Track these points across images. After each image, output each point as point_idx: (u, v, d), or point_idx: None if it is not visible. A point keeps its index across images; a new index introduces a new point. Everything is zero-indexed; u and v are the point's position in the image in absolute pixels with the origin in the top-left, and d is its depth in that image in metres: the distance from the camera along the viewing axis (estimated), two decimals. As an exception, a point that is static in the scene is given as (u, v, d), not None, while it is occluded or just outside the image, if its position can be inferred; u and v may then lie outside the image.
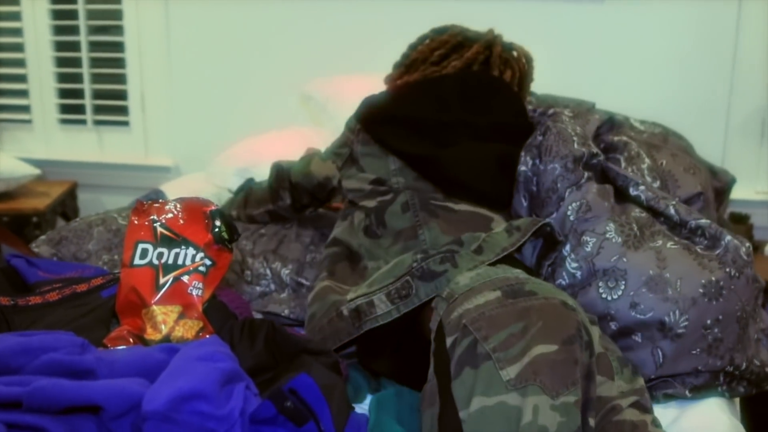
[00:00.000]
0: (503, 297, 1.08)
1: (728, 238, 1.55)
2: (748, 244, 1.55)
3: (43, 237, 1.82)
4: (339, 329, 1.37)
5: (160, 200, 1.24)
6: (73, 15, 3.08)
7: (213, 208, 1.23)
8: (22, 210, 2.83)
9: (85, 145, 3.20)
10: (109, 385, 0.98)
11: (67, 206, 3.05)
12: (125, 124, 3.15)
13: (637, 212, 1.65)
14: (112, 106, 3.16)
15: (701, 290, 1.46)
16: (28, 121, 3.21)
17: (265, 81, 2.93)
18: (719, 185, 2.34)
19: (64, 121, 3.20)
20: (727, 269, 1.49)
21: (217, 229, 1.20)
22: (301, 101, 2.74)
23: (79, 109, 3.17)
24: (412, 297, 1.32)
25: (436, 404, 1.08)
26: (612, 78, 2.71)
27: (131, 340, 1.16)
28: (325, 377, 1.11)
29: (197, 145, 3.00)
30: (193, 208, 1.22)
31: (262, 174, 2.27)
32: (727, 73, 2.68)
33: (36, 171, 2.94)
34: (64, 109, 3.19)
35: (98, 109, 3.17)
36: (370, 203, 1.63)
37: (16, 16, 3.12)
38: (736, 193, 2.68)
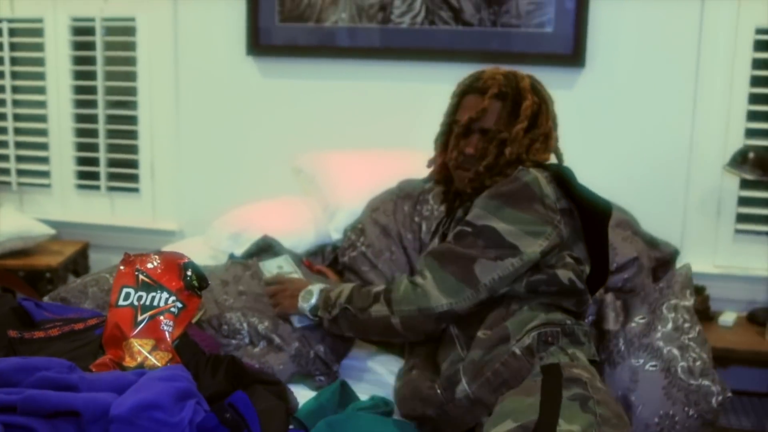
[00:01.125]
0: None
1: (707, 383, 1.79)
2: (727, 395, 1.77)
3: (46, 297, 2.09)
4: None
5: (143, 253, 1.52)
6: (92, 90, 3.43)
7: (186, 260, 1.51)
8: (36, 266, 3.13)
9: (98, 209, 3.51)
10: (86, 396, 1.24)
11: (78, 264, 3.35)
12: (136, 190, 3.47)
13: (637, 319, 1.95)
14: (125, 174, 3.48)
15: (656, 419, 1.71)
16: (48, 186, 3.54)
17: (262, 154, 3.24)
18: (661, 255, 2.61)
19: (80, 186, 3.52)
20: (687, 408, 1.73)
21: (188, 278, 1.48)
22: (293, 173, 3.04)
23: (94, 176, 3.49)
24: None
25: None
26: (579, 151, 2.99)
27: (112, 366, 1.42)
28: (268, 401, 1.37)
29: (200, 211, 3.28)
30: (170, 260, 1.50)
31: (251, 238, 2.56)
32: (684, 155, 2.96)
33: (51, 231, 3.25)
34: (81, 175, 3.52)
35: (111, 177, 3.49)
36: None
37: (41, 90, 3.47)
38: (695, 266, 2.94)
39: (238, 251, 2.51)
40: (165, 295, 1.46)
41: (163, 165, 3.42)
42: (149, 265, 1.49)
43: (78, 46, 3.44)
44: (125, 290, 1.47)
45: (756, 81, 2.90)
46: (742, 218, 2.99)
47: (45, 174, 3.54)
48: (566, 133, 3.01)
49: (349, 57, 3.13)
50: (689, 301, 2.05)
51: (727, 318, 2.83)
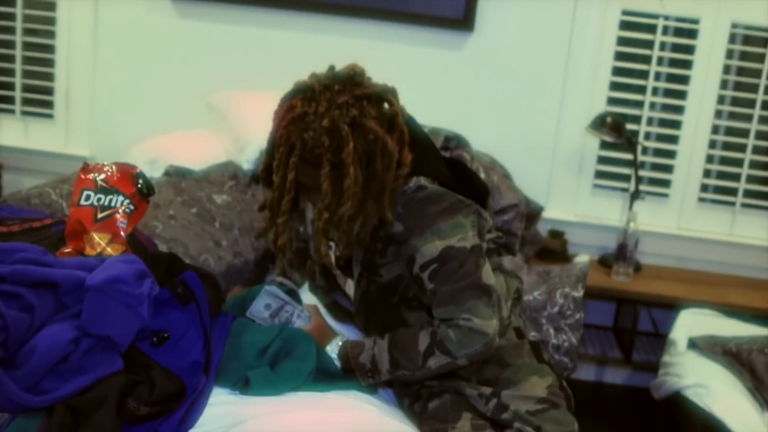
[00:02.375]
0: None
1: (565, 360, 2.50)
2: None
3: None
4: None
5: (100, 163, 1.84)
6: (11, 17, 3.61)
7: (138, 170, 1.83)
8: (-47, 182, 3.33)
9: (11, 132, 3.71)
10: (64, 272, 1.57)
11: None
12: (50, 116, 3.69)
13: None
14: (39, 100, 3.69)
15: None
16: (-40, 107, 3.71)
17: (177, 91, 3.52)
18: (529, 210, 3.13)
19: (-5, 110, 3.71)
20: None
21: (140, 186, 1.81)
22: (207, 109, 3.35)
23: (9, 100, 3.68)
24: None
25: None
26: (463, 116, 3.41)
27: (75, 254, 1.74)
28: (206, 285, 1.73)
29: (113, 139, 3.53)
30: (124, 170, 1.82)
31: (167, 164, 2.87)
32: (554, 117, 3.42)
33: (-33, 150, 3.45)
34: (-5, 98, 3.71)
35: (26, 102, 3.69)
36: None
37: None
38: (557, 214, 3.45)
39: (156, 176, 2.82)
40: (120, 198, 1.78)
41: (78, 93, 3.64)
42: (106, 173, 1.80)
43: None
44: (86, 192, 1.78)
45: (619, 56, 3.38)
46: (599, 175, 3.49)
47: (-42, 95, 3.71)
48: (453, 92, 3.45)
49: (264, 5, 3.43)
50: (579, 293, 2.60)
51: (582, 260, 3.32)
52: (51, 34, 3.62)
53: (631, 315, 3.29)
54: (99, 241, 1.75)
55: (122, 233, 1.77)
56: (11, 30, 3.62)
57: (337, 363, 1.85)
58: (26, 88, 3.69)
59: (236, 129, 3.14)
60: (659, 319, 3.47)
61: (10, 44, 3.64)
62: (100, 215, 1.77)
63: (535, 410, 1.80)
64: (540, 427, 1.78)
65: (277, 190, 1.77)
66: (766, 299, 3.21)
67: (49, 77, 3.66)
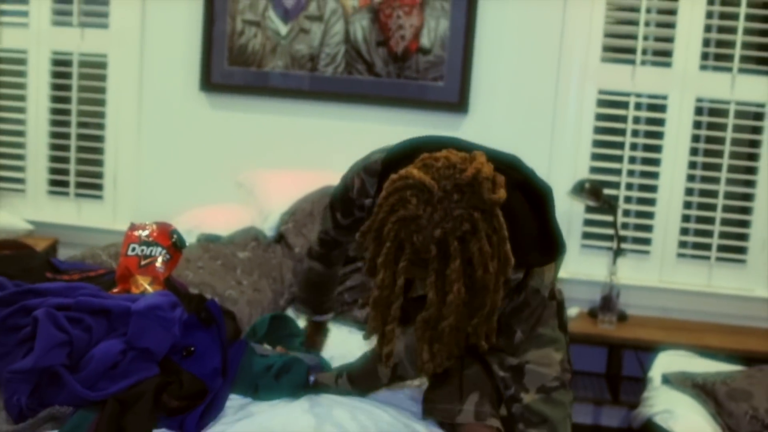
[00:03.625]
0: None
1: None
2: None
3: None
4: None
5: (143, 223, 2.35)
6: (66, 113, 4.22)
7: (173, 228, 2.34)
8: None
9: (67, 212, 4.27)
10: (114, 302, 2.06)
11: (49, 257, 4.10)
12: (100, 197, 4.25)
13: None
14: (91, 183, 4.26)
15: None
16: (23, 191, 4.30)
17: (210, 170, 4.07)
18: None
19: (52, 192, 4.29)
20: None
21: (174, 239, 2.31)
22: (236, 187, 3.88)
23: (65, 184, 4.27)
24: None
25: None
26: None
27: (123, 293, 2.24)
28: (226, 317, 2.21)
29: (154, 215, 4.03)
30: (162, 227, 2.33)
31: (199, 233, 3.38)
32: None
33: (29, 227, 4.01)
34: (52, 183, 4.29)
35: (79, 185, 4.27)
36: None
37: (21, 110, 4.25)
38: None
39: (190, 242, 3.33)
40: (159, 249, 2.28)
41: (124, 177, 4.21)
42: (148, 230, 2.32)
43: (56, 74, 4.23)
44: (131, 245, 2.29)
45: (598, 130, 3.87)
46: (586, 235, 3.94)
47: (21, 181, 4.30)
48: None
49: (283, 96, 4.00)
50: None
51: (572, 312, 3.74)
52: (101, 126, 4.21)
53: (619, 360, 3.69)
54: (142, 282, 2.25)
55: (160, 276, 2.27)
56: (67, 124, 4.23)
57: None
58: (79, 173, 4.27)
59: (260, 202, 3.66)
60: (647, 364, 3.85)
61: (66, 136, 4.24)
62: (142, 262, 2.27)
63: (549, 387, 2.05)
64: (546, 420, 2.04)
65: (386, 290, 1.68)
66: (739, 342, 3.60)
67: (99, 163, 4.24)
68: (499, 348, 2.04)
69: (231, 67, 4.00)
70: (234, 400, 2.09)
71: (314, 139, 4.00)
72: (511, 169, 1.89)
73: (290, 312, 2.96)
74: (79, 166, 4.26)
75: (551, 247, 1.93)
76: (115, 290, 2.27)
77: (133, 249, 2.29)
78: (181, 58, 4.08)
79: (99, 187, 4.26)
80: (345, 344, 2.56)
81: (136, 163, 4.19)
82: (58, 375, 1.91)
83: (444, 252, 1.61)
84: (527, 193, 1.92)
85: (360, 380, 2.11)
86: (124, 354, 1.97)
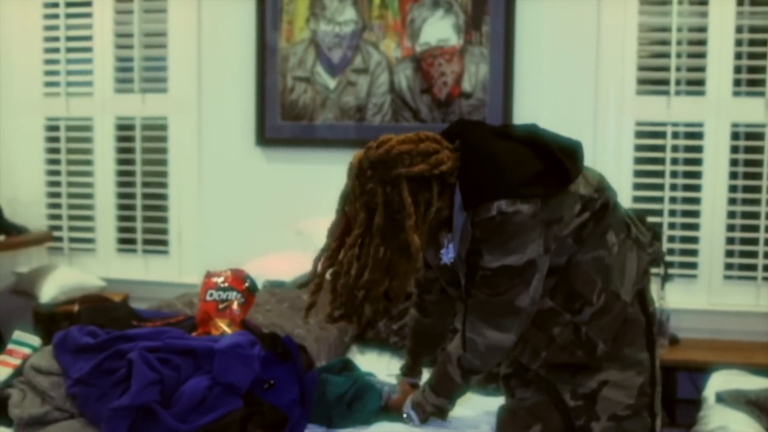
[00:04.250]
0: None
1: None
2: None
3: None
4: None
5: (218, 271, 2.57)
6: (131, 174, 4.50)
7: (246, 274, 2.56)
8: (92, 311, 4.14)
9: (135, 268, 4.54)
10: (199, 342, 2.28)
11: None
12: (166, 252, 4.51)
13: None
14: (157, 240, 4.53)
15: None
16: (93, 250, 4.57)
17: (269, 220, 4.31)
18: None
19: (120, 250, 4.56)
20: None
21: (247, 284, 2.53)
22: (294, 235, 4.11)
23: (133, 242, 4.54)
24: None
25: None
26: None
27: (204, 335, 2.46)
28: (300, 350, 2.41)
29: (219, 266, 4.25)
30: (236, 273, 2.55)
31: (263, 281, 3.60)
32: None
33: (102, 283, 4.28)
34: (121, 241, 4.56)
35: (146, 242, 4.53)
36: None
37: (89, 174, 4.54)
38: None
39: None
40: (234, 293, 2.50)
41: (188, 232, 4.47)
42: (223, 276, 2.54)
43: (120, 138, 4.52)
44: (209, 291, 2.51)
45: (638, 160, 4.03)
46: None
47: (91, 240, 4.58)
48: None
49: (333, 147, 4.23)
50: None
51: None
52: (164, 185, 4.49)
53: (673, 382, 3.81)
54: (221, 324, 2.46)
55: (237, 318, 2.48)
56: (132, 184, 4.51)
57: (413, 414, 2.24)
58: (146, 231, 4.54)
59: (320, 247, 3.87)
60: (701, 384, 3.96)
61: (132, 196, 4.52)
62: (220, 306, 2.49)
63: (621, 416, 2.07)
64: None
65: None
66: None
67: (164, 220, 4.50)
68: (580, 364, 2.09)
69: (284, 122, 4.25)
70: (311, 429, 2.28)
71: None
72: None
73: (354, 349, 3.16)
74: (145, 223, 4.53)
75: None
76: (196, 333, 2.49)
77: (211, 294, 2.51)
78: (237, 116, 4.35)
79: (165, 242, 4.52)
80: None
81: (198, 218, 4.44)
82: (153, 411, 2.12)
83: (358, 219, 1.98)
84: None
85: (439, 386, 2.18)
86: (211, 389, 2.18)
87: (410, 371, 2.50)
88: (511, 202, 1.93)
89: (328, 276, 2.18)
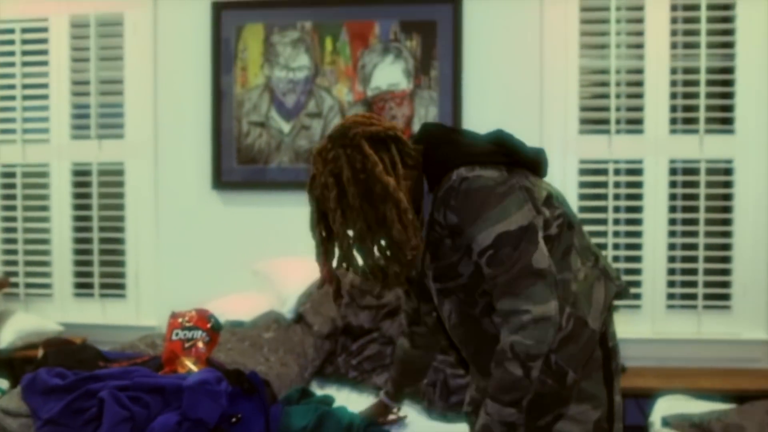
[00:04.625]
0: None
1: None
2: None
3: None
4: None
5: (183, 311, 2.67)
6: (88, 219, 4.57)
7: (210, 313, 2.66)
8: (51, 355, 4.18)
9: (92, 312, 4.59)
10: (167, 379, 2.37)
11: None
12: (123, 296, 4.58)
13: None
14: (114, 284, 4.59)
15: None
16: (50, 295, 4.62)
17: (226, 262, 4.40)
18: None
19: (78, 294, 4.61)
20: None
21: (212, 323, 2.63)
22: (252, 275, 4.21)
23: (90, 286, 4.59)
24: None
25: None
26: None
27: (171, 373, 2.55)
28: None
29: (176, 309, 4.37)
30: (200, 313, 2.66)
31: (222, 321, 3.69)
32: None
33: (60, 328, 4.32)
34: (78, 285, 4.61)
35: (103, 286, 4.59)
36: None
37: (45, 219, 4.60)
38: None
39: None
40: (199, 332, 2.60)
41: (145, 275, 4.54)
42: (188, 316, 2.64)
43: (77, 184, 4.60)
44: (175, 331, 2.61)
45: (582, 197, 4.23)
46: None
47: (48, 285, 4.62)
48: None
49: (288, 189, 4.35)
50: None
51: (574, 368, 4.02)
52: (121, 230, 4.56)
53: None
54: (187, 363, 2.56)
55: (203, 356, 2.58)
56: (89, 229, 4.58)
57: None
58: (103, 275, 4.60)
59: (277, 287, 3.99)
60: (648, 410, 4.13)
61: (88, 240, 4.58)
62: (186, 345, 2.59)
63: None
64: None
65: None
66: (730, 383, 3.90)
67: (121, 264, 4.57)
68: (551, 394, 2.02)
69: (239, 166, 4.37)
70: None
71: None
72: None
73: (314, 384, 3.27)
74: (102, 267, 4.60)
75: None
76: (163, 372, 2.58)
77: (177, 334, 2.61)
78: (193, 161, 4.46)
79: (122, 286, 4.58)
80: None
81: (155, 261, 4.52)
82: (125, 448, 2.21)
83: (331, 196, 1.96)
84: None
85: (501, 393, 1.96)
86: (180, 425, 2.27)
87: (391, 397, 2.54)
88: (470, 168, 1.96)
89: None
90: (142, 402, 2.32)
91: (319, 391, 3.18)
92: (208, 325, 2.64)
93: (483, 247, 1.93)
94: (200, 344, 2.60)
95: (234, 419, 2.34)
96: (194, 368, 2.56)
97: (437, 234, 2.01)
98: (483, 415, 2.00)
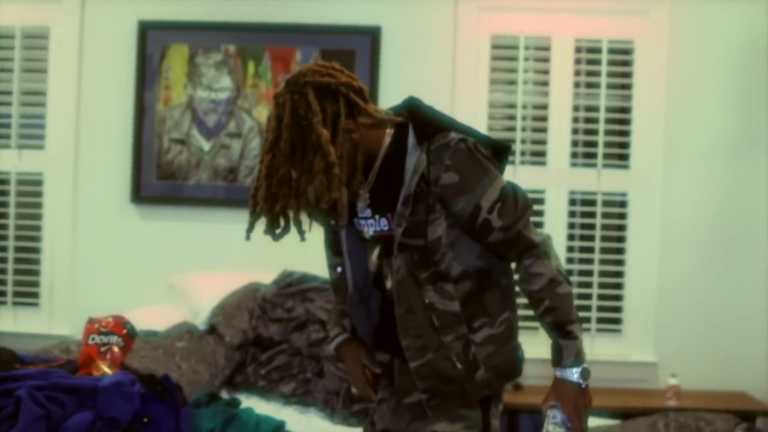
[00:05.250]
0: None
1: None
2: None
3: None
4: None
5: (100, 317, 2.82)
6: (4, 227, 4.65)
7: (126, 320, 2.82)
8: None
9: (4, 320, 4.65)
10: (83, 381, 2.52)
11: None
12: (36, 305, 4.66)
13: None
14: (28, 292, 4.67)
15: None
16: (-37, 302, 4.68)
17: (142, 275, 4.53)
18: None
19: (-10, 302, 4.68)
20: None
21: (127, 329, 2.79)
22: (168, 288, 4.35)
23: (3, 294, 4.66)
24: None
25: None
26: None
27: (87, 376, 2.70)
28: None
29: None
30: (117, 319, 2.81)
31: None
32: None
33: (-30, 335, 4.38)
34: (-9, 294, 4.69)
35: (17, 294, 4.67)
36: None
37: (-39, 228, 4.67)
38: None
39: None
40: (115, 337, 2.76)
41: (60, 285, 4.63)
42: (105, 322, 2.79)
43: (-6, 193, 4.69)
44: (91, 335, 2.76)
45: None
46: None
47: (-39, 293, 4.69)
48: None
49: (205, 206, 4.53)
50: None
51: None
52: (37, 239, 4.66)
53: (516, 423, 4.25)
54: (102, 366, 2.71)
55: (118, 360, 2.74)
56: (4, 237, 4.65)
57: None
58: (17, 283, 4.67)
59: (192, 301, 4.14)
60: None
61: (3, 249, 4.66)
62: (102, 349, 2.75)
63: None
64: None
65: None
66: (620, 401, 4.21)
67: (36, 273, 4.66)
68: (454, 379, 2.12)
69: (159, 181, 4.52)
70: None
71: (235, 243, 4.50)
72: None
73: (224, 392, 3.44)
74: (16, 276, 4.67)
75: None
76: (79, 374, 2.72)
77: (93, 338, 2.76)
78: (113, 174, 4.59)
79: (36, 295, 4.66)
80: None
81: (71, 271, 4.62)
82: (39, 444, 2.36)
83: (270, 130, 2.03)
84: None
85: (574, 311, 2.15)
86: (94, 423, 2.43)
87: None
88: (464, 137, 2.07)
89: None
90: (58, 401, 2.46)
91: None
92: (124, 331, 2.80)
93: (493, 201, 2.03)
94: (115, 349, 2.75)
95: (146, 419, 2.51)
96: (109, 371, 2.71)
97: (420, 189, 2.06)
98: (571, 343, 2.13)
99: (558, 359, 2.15)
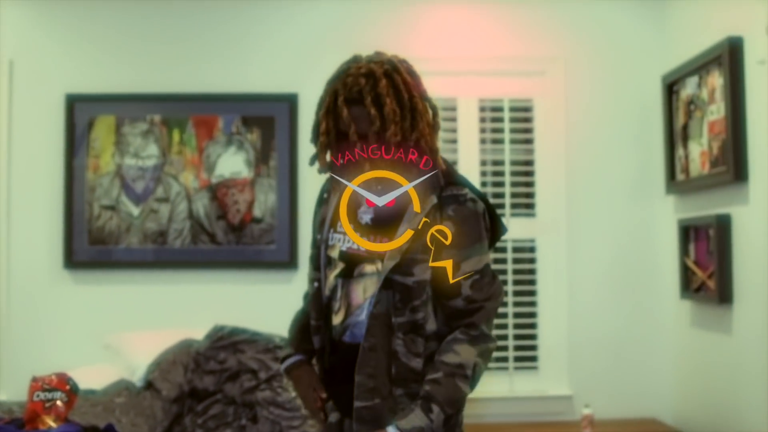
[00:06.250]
0: None
1: None
2: None
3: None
4: None
5: (44, 375, 3.06)
6: (-62, 299, 4.82)
7: (69, 377, 3.06)
8: None
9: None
10: (32, 434, 2.76)
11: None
12: (-28, 373, 4.82)
13: None
14: (-37, 362, 4.83)
15: None
16: None
17: (77, 339, 4.73)
18: None
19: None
20: None
21: (70, 385, 3.04)
22: (103, 349, 4.57)
23: (-62, 365, 4.81)
24: None
25: None
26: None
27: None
28: (117, 439, 2.93)
29: (25, 382, 4.67)
30: (60, 376, 3.05)
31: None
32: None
33: None
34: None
35: (-48, 364, 4.82)
36: None
37: None
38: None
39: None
40: (59, 393, 2.99)
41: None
42: (48, 380, 3.04)
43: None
44: (36, 392, 2.99)
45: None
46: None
47: None
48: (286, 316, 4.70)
49: (136, 269, 4.78)
50: None
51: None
52: (-29, 309, 4.84)
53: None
54: (47, 420, 2.95)
55: (62, 414, 2.98)
56: (-61, 309, 4.82)
57: None
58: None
59: (128, 359, 4.37)
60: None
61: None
62: (47, 405, 2.98)
63: None
64: None
65: None
66: (536, 434, 4.56)
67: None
68: (412, 383, 2.15)
69: (91, 246, 4.76)
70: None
71: (168, 303, 4.77)
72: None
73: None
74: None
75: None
76: (25, 430, 2.95)
77: (38, 395, 3.00)
78: (45, 241, 4.81)
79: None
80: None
81: (7, 337, 4.79)
82: (-8, 494, 2.58)
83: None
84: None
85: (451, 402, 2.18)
86: (44, 472, 2.67)
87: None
88: (476, 199, 2.17)
89: None
90: (9, 454, 2.70)
91: (167, 449, 3.59)
92: (67, 387, 3.04)
93: (472, 269, 2.11)
94: (59, 403, 2.99)
95: (93, 466, 2.75)
96: (54, 425, 2.94)
97: (427, 227, 2.10)
98: (422, 417, 2.08)
99: (401, 417, 2.11)
